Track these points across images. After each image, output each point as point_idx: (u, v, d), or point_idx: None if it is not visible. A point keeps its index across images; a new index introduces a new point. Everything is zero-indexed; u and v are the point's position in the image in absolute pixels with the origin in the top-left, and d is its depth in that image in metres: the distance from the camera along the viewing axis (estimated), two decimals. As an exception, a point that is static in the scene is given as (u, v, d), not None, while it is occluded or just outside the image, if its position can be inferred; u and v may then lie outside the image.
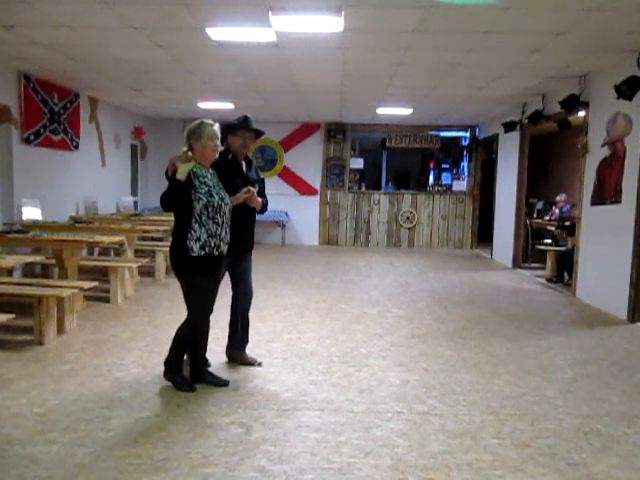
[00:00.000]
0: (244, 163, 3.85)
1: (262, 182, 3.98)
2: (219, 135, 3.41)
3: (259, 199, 3.73)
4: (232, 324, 4.00)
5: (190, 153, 3.32)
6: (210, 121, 3.39)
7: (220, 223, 3.35)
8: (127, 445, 2.75)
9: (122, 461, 2.59)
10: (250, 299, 4.01)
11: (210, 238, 3.31)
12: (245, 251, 3.91)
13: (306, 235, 12.02)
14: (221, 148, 3.48)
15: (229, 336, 4.04)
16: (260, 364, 3.99)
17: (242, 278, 3.93)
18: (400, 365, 4.10)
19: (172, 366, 3.53)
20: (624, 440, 2.95)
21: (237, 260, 3.84)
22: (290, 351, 4.35)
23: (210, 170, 3.45)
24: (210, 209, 3.29)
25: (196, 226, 3.28)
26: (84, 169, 8.89)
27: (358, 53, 5.92)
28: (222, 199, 3.37)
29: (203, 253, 3.29)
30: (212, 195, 3.31)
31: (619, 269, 5.78)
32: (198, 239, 3.28)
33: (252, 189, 3.62)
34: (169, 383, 3.53)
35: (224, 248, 3.43)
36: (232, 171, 3.73)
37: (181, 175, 3.20)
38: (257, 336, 4.56)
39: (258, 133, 3.89)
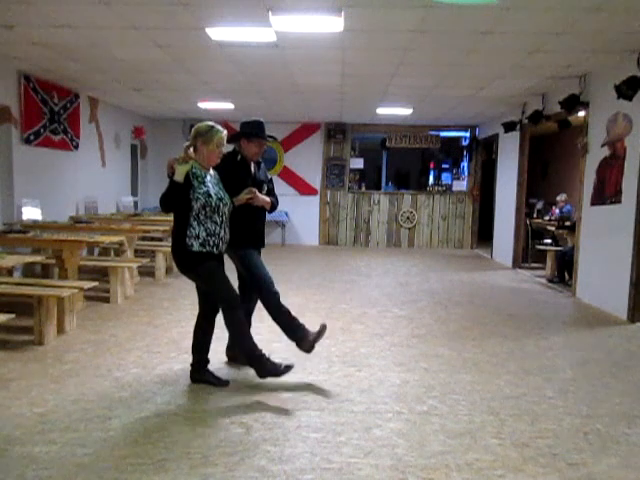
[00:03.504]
0: (252, 164, 3.88)
1: (271, 182, 4.03)
2: (225, 142, 3.45)
3: (267, 198, 3.77)
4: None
5: (191, 150, 3.34)
6: (220, 127, 3.43)
7: (219, 223, 3.38)
8: (127, 445, 2.75)
9: (122, 461, 2.59)
10: (257, 300, 4.01)
11: (209, 237, 3.34)
12: (259, 250, 3.96)
13: (306, 235, 12.03)
14: (229, 148, 3.51)
15: (229, 336, 4.03)
16: (260, 364, 3.98)
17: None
18: (400, 365, 4.10)
19: (250, 355, 3.49)
20: (624, 440, 2.95)
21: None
22: (290, 351, 4.34)
23: (211, 171, 3.47)
24: (207, 209, 3.32)
25: (194, 224, 3.31)
26: (84, 169, 8.88)
27: (358, 53, 5.92)
28: (221, 199, 3.40)
29: (204, 250, 3.33)
30: (210, 196, 3.34)
31: (619, 269, 5.77)
32: (197, 237, 3.31)
33: (254, 189, 3.64)
34: (169, 383, 3.52)
35: (223, 247, 3.47)
36: (241, 172, 3.76)
37: (179, 177, 3.24)
38: (257, 336, 4.51)
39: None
